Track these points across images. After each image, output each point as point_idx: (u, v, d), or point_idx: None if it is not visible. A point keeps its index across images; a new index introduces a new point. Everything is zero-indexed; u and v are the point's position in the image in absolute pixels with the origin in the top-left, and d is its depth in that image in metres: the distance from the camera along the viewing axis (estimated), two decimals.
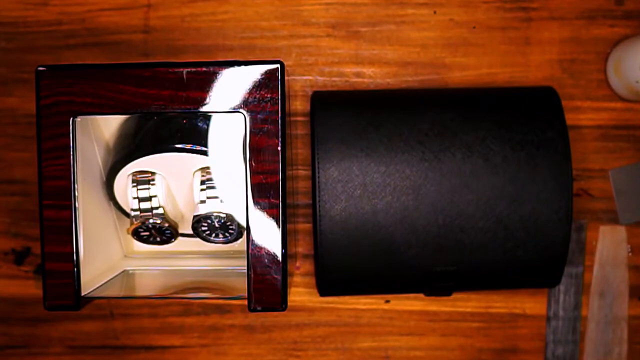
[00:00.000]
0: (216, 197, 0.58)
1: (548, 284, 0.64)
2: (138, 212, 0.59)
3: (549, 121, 0.61)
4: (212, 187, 0.58)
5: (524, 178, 0.59)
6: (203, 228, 0.59)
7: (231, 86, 0.51)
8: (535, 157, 0.60)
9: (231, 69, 0.51)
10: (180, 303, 0.68)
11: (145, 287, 0.63)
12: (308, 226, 0.68)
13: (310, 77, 0.67)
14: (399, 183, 0.59)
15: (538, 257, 0.61)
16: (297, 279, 0.68)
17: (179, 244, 0.62)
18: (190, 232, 0.60)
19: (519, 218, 0.59)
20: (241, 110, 0.51)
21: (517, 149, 0.60)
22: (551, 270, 0.62)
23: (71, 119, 0.52)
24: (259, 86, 0.51)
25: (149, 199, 0.59)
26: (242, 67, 0.51)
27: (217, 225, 0.59)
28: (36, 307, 0.69)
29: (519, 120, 0.61)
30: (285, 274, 0.52)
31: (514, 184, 0.59)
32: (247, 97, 0.51)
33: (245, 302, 0.52)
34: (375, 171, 0.59)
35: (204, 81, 0.51)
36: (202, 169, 0.59)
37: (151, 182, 0.59)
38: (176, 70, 0.51)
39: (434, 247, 0.60)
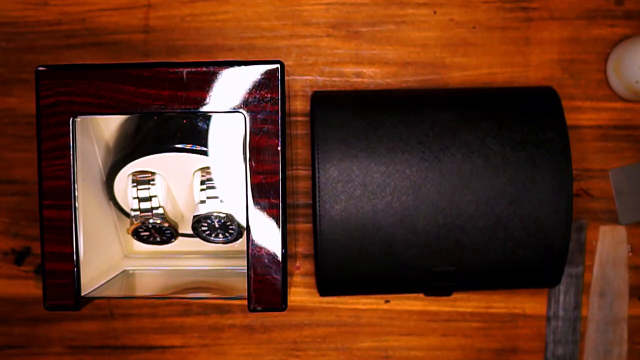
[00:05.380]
0: (216, 197, 0.58)
1: (548, 284, 0.64)
2: (138, 212, 0.59)
3: (549, 121, 0.61)
4: (212, 187, 0.58)
5: (524, 178, 0.59)
6: (203, 228, 0.59)
7: (231, 86, 0.51)
8: (535, 157, 0.60)
9: (231, 69, 0.51)
10: (180, 303, 0.68)
11: (145, 287, 0.63)
12: (308, 226, 0.68)
13: (310, 77, 0.67)
14: (399, 183, 0.59)
15: (538, 257, 0.61)
16: (297, 279, 0.68)
17: (179, 244, 0.62)
18: (190, 232, 0.60)
19: (519, 218, 0.59)
20: (241, 110, 0.51)
21: (517, 149, 0.60)
22: (551, 270, 0.62)
23: (71, 119, 0.52)
24: (259, 86, 0.51)
25: (149, 199, 0.59)
26: (242, 67, 0.51)
27: (217, 225, 0.59)
28: (36, 307, 0.69)
29: (519, 120, 0.61)
30: (285, 274, 0.52)
31: (514, 184, 0.59)
32: (247, 97, 0.51)
33: (245, 302, 0.52)
34: (375, 171, 0.59)
35: (204, 81, 0.51)
36: (202, 169, 0.59)
37: (151, 182, 0.59)
38: (176, 70, 0.51)
39: (434, 247, 0.60)
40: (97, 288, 0.57)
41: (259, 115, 0.51)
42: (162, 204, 0.60)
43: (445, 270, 0.61)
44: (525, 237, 0.60)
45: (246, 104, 0.51)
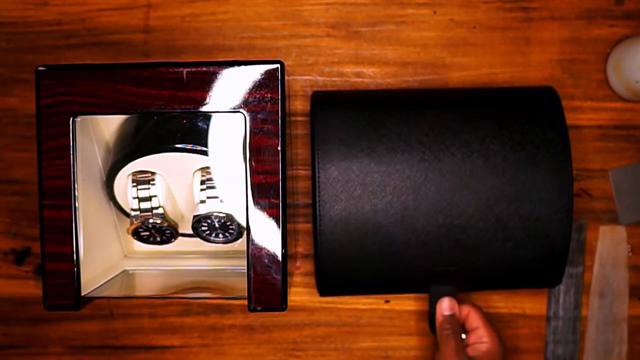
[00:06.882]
0: (216, 197, 0.58)
1: (549, 284, 0.64)
2: (138, 212, 0.59)
3: (549, 121, 0.61)
4: (212, 187, 0.58)
5: (524, 178, 0.59)
6: (203, 228, 0.59)
7: (231, 86, 0.51)
8: (536, 157, 0.60)
9: (231, 69, 0.51)
10: (180, 303, 0.68)
11: (145, 287, 0.63)
12: (308, 226, 0.68)
13: (310, 77, 0.67)
14: (399, 183, 0.59)
15: (539, 257, 0.61)
16: (297, 279, 0.68)
17: (179, 244, 0.62)
18: (190, 232, 0.60)
19: (519, 218, 0.59)
20: (241, 110, 0.52)
21: (517, 149, 0.60)
22: (552, 271, 0.62)
23: (71, 119, 0.52)
24: (259, 86, 0.51)
25: (149, 199, 0.59)
26: (242, 67, 0.51)
27: (217, 225, 0.59)
28: (36, 307, 0.69)
29: (519, 121, 0.60)
30: (285, 274, 0.52)
31: (514, 184, 0.59)
32: (247, 97, 0.51)
33: (245, 302, 0.52)
34: (375, 171, 0.59)
35: (204, 81, 0.51)
36: (202, 169, 0.59)
37: (151, 182, 0.59)
38: (176, 70, 0.51)
39: (434, 247, 0.60)
40: (97, 288, 0.57)
41: (259, 115, 0.51)
42: (162, 204, 0.60)
43: (445, 271, 0.61)
44: (525, 237, 0.60)
45: (246, 104, 0.51)
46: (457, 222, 0.59)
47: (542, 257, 0.61)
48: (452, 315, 0.60)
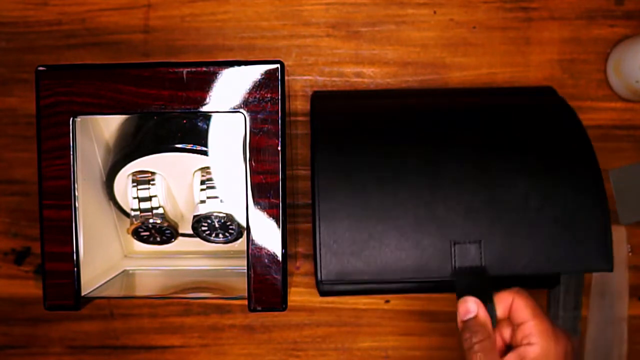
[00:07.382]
0: (216, 197, 0.58)
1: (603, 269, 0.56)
2: (138, 212, 0.59)
3: (558, 119, 0.60)
4: (212, 187, 0.58)
5: (548, 179, 0.57)
6: (203, 228, 0.59)
7: (231, 86, 0.51)
8: (554, 161, 0.58)
9: (231, 69, 0.51)
10: (180, 303, 0.68)
11: (145, 287, 0.63)
12: (308, 226, 0.68)
13: (310, 77, 0.67)
14: (403, 177, 0.58)
15: (580, 247, 0.55)
16: (297, 279, 0.68)
17: (179, 244, 0.62)
18: (190, 232, 0.60)
19: (547, 218, 0.55)
20: (241, 110, 0.51)
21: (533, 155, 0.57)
22: (599, 254, 0.56)
23: (71, 119, 0.52)
24: (259, 86, 0.51)
25: (149, 199, 0.59)
26: (242, 67, 0.51)
27: (217, 225, 0.59)
28: (36, 307, 0.69)
29: (524, 121, 0.60)
30: (285, 274, 0.52)
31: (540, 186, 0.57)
32: (247, 97, 0.51)
33: (245, 302, 0.52)
34: (376, 169, 0.59)
35: (204, 81, 0.51)
36: (202, 169, 0.59)
37: (151, 182, 0.59)
38: (176, 70, 0.51)
39: (456, 231, 0.55)
40: (97, 288, 0.57)
41: (259, 115, 0.51)
42: (162, 204, 0.60)
43: (470, 266, 0.57)
44: (561, 231, 0.55)
45: (246, 104, 0.51)
46: (482, 208, 0.55)
47: (583, 246, 0.55)
48: (473, 319, 0.45)
